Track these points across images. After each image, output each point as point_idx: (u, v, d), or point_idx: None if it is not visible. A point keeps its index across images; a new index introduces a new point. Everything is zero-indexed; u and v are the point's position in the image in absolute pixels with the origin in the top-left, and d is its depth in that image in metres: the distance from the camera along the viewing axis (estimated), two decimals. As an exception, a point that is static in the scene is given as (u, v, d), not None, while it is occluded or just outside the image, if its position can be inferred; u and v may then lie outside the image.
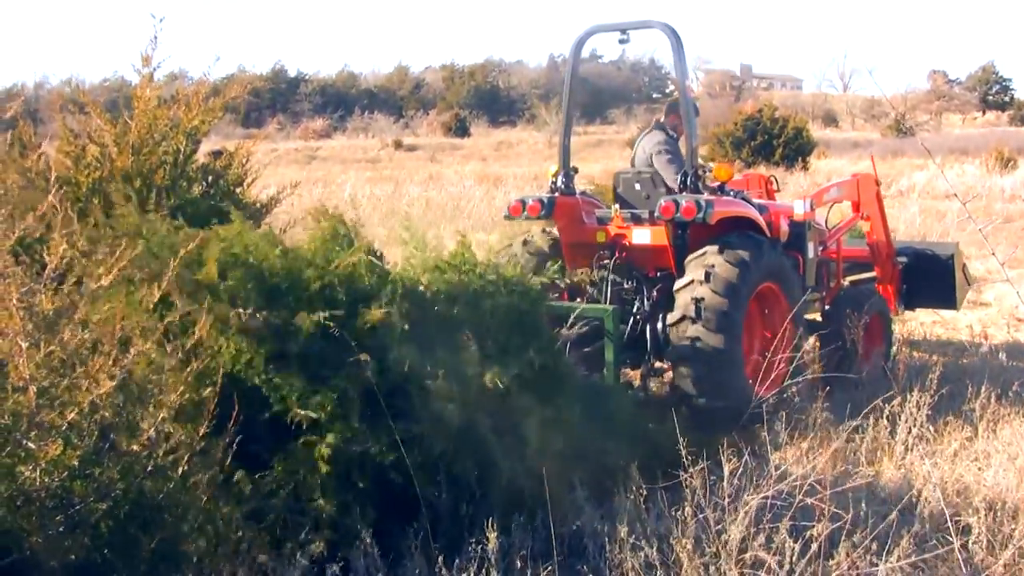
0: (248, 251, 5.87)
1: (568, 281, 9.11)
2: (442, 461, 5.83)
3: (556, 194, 10.13)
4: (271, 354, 5.51)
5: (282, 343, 5.55)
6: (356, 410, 5.57)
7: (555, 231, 10.22)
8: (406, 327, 5.77)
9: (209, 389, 5.08)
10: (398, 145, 64.67)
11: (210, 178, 8.20)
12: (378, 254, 6.40)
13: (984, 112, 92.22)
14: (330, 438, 5.44)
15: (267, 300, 5.68)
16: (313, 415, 5.45)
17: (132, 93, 8.02)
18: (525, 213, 9.93)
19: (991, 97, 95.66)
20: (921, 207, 25.76)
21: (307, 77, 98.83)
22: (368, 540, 5.47)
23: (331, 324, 5.60)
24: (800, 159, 41.11)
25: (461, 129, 75.33)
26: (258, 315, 5.45)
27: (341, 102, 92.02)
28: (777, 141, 41.56)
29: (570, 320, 7.78)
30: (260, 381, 5.45)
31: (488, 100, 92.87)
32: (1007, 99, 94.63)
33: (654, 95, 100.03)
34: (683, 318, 8.84)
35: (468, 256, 6.69)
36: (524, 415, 6.15)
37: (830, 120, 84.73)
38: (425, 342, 5.97)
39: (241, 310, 5.36)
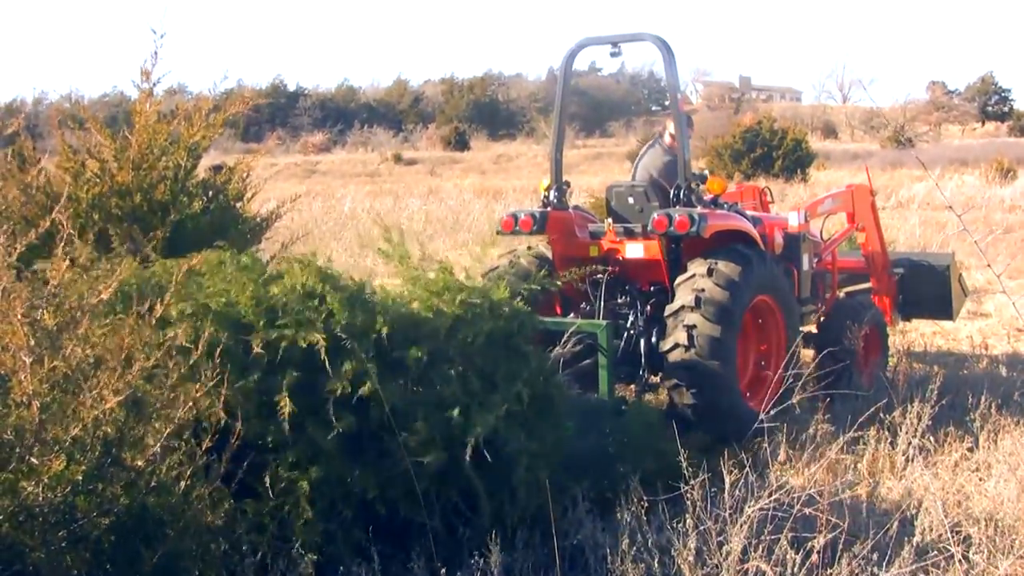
0: (222, 295, 5.86)
1: (559, 285, 9.06)
2: (428, 493, 5.81)
3: (549, 208, 10.09)
4: (250, 411, 5.47)
5: (260, 396, 5.54)
6: (335, 455, 5.55)
7: (543, 249, 10.18)
8: (379, 380, 5.69)
9: (210, 400, 5.08)
10: (397, 159, 64.67)
11: (210, 193, 8.21)
12: (361, 288, 6.32)
13: (983, 123, 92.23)
14: (310, 476, 5.42)
15: (244, 348, 5.66)
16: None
17: (132, 108, 8.05)
18: (517, 228, 9.87)
19: (990, 108, 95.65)
20: (921, 218, 25.79)
21: (306, 91, 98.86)
22: (370, 555, 5.48)
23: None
24: (799, 171, 41.07)
25: (460, 142, 75.29)
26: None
27: (340, 116, 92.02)
28: (776, 153, 41.61)
29: (564, 337, 7.76)
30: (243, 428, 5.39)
31: (487, 113, 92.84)
32: (1006, 110, 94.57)
33: (653, 108, 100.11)
34: (676, 346, 8.84)
35: (451, 282, 6.62)
36: (509, 455, 6.11)
37: (829, 132, 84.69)
38: (407, 382, 5.95)
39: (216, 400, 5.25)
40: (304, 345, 5.62)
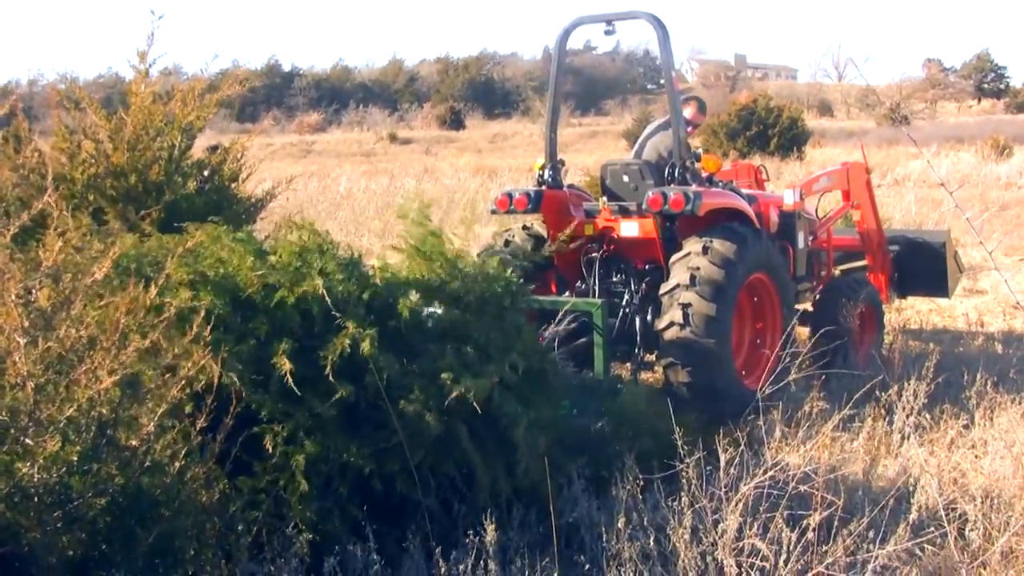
0: (220, 265, 5.87)
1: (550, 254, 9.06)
2: (423, 468, 5.82)
3: (543, 187, 10.08)
4: (248, 378, 5.48)
5: (258, 365, 5.55)
6: (331, 426, 5.56)
7: (538, 228, 10.18)
8: (377, 346, 5.68)
9: (203, 381, 5.08)
10: (393, 138, 64.62)
11: (205, 173, 8.20)
12: (357, 257, 6.35)
13: (979, 100, 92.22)
14: (306, 449, 5.44)
15: (242, 317, 5.67)
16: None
17: (127, 89, 8.03)
18: (512, 207, 9.87)
19: (986, 85, 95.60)
20: (917, 196, 25.77)
21: (301, 71, 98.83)
22: (365, 534, 5.49)
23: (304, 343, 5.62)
24: (795, 149, 41.06)
25: (456, 122, 75.23)
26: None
27: (336, 96, 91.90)
28: (772, 131, 41.55)
29: (559, 316, 7.77)
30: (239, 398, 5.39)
31: (483, 92, 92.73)
32: (1002, 87, 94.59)
33: (648, 86, 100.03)
34: (671, 324, 8.82)
35: (437, 245, 6.64)
36: (508, 420, 6.12)
37: (825, 109, 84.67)
38: (403, 351, 5.96)
39: (214, 363, 5.25)
40: (297, 297, 5.66)
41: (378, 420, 5.72)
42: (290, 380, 5.38)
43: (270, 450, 5.41)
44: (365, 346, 5.56)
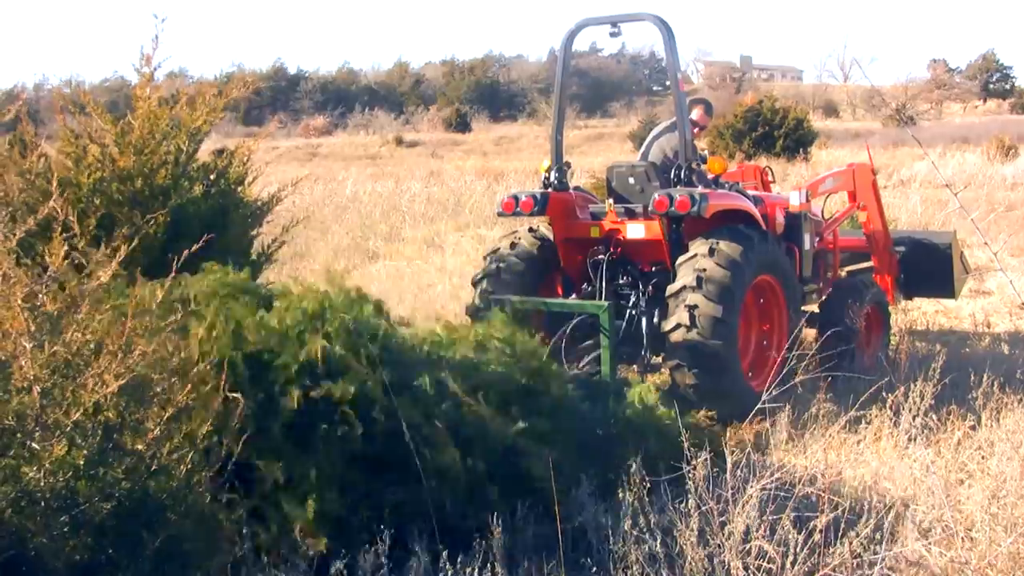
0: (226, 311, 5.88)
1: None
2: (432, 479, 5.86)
3: (549, 190, 10.08)
4: (255, 430, 5.48)
5: (266, 418, 5.56)
6: (340, 470, 5.59)
7: (544, 230, 10.19)
8: (386, 396, 5.72)
9: (211, 386, 5.09)
10: (399, 141, 64.59)
11: (211, 177, 8.20)
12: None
13: (985, 100, 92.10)
14: (314, 496, 5.47)
15: (251, 371, 5.68)
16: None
17: (133, 93, 8.03)
18: (518, 209, 9.87)
19: (992, 85, 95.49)
20: (922, 196, 25.70)
21: (307, 74, 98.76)
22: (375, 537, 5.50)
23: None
24: (801, 150, 40.99)
25: (462, 124, 75.16)
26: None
27: (341, 99, 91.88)
28: (778, 132, 41.43)
29: (573, 321, 7.79)
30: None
31: (488, 95, 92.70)
32: (1008, 87, 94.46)
33: (654, 88, 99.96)
34: (678, 326, 8.82)
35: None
36: (514, 438, 6.15)
37: (831, 111, 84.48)
38: (414, 396, 5.99)
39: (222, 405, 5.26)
40: (304, 360, 5.66)
41: (388, 458, 5.76)
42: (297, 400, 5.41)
43: (276, 483, 5.43)
44: (372, 390, 5.62)
